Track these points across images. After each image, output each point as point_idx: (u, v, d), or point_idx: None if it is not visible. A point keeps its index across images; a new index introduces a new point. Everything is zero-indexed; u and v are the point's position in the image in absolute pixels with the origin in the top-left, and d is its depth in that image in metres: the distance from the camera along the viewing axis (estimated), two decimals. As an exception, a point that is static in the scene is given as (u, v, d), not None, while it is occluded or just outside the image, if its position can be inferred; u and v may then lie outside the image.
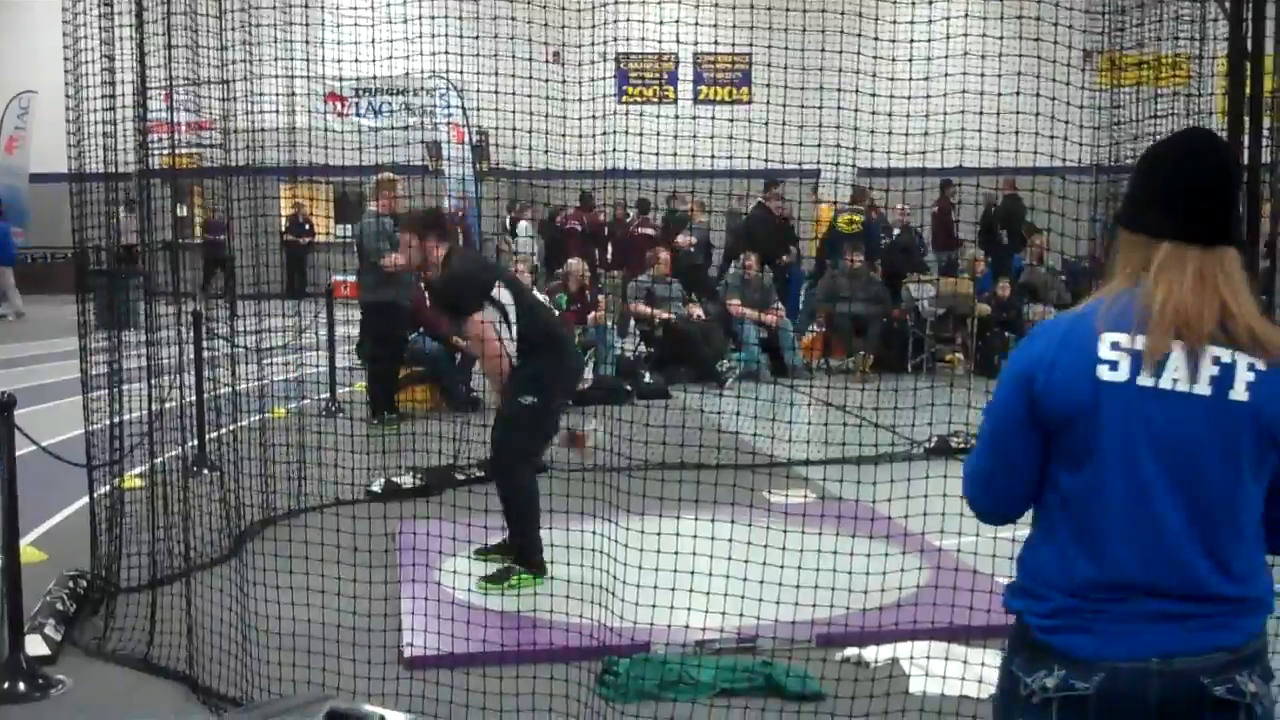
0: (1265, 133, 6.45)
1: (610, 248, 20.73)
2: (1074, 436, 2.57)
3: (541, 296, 13.46)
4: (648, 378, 14.19)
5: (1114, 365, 2.53)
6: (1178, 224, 2.56)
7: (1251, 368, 2.49)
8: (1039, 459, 2.64)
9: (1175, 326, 2.49)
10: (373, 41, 8.15)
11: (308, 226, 24.54)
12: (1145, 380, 2.51)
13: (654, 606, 6.18)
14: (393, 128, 20.63)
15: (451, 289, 7.27)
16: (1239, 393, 2.49)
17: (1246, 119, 6.12)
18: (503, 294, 7.05)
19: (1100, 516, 2.56)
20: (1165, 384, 2.50)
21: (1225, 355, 2.49)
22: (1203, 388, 2.49)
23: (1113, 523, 2.54)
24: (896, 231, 18.37)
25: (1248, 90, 6.02)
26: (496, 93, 7.36)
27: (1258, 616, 2.58)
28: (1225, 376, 2.49)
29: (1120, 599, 2.54)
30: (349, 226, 22.31)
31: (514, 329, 7.04)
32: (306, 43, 8.27)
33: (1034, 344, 2.66)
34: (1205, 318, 2.49)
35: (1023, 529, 2.77)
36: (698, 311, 15.43)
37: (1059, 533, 2.62)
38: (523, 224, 22.21)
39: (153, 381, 6.67)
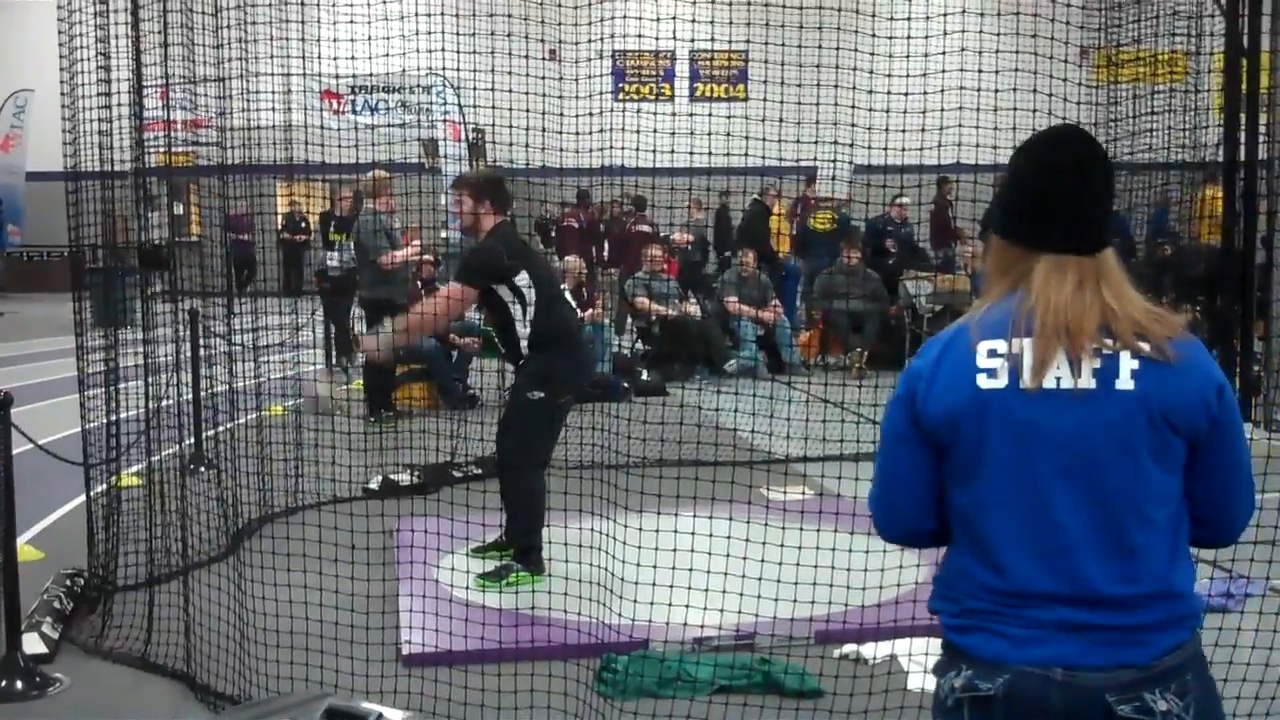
0: (1261, 129, 6.45)
1: (607, 245, 20.71)
2: (959, 450, 2.53)
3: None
4: (645, 375, 14.19)
5: (991, 373, 2.49)
6: (1055, 237, 2.52)
7: (1135, 356, 2.45)
8: (931, 477, 2.61)
9: (1058, 333, 2.45)
10: (369, 38, 8.15)
11: (304, 224, 24.51)
12: (1026, 384, 2.47)
13: (652, 604, 6.17)
14: (389, 125, 20.61)
15: (471, 258, 7.17)
16: (1124, 382, 2.44)
17: (1243, 116, 6.12)
18: (521, 277, 6.97)
19: (995, 527, 2.51)
20: (1049, 384, 2.46)
21: (1108, 350, 2.46)
22: (1086, 382, 2.45)
23: (1008, 532, 2.50)
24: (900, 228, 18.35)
25: (1244, 87, 6.02)
26: (493, 90, 7.35)
27: (1176, 632, 2.49)
28: (1109, 368, 2.45)
29: (1026, 606, 2.48)
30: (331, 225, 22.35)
31: (528, 316, 6.97)
32: (302, 40, 8.27)
33: (916, 361, 2.64)
34: (1087, 323, 2.45)
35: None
36: (694, 309, 15.43)
37: (961, 546, 2.60)
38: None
39: (149, 379, 6.66)
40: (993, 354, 2.50)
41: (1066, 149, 2.58)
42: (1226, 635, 4.99)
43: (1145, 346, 2.45)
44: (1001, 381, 2.49)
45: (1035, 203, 2.55)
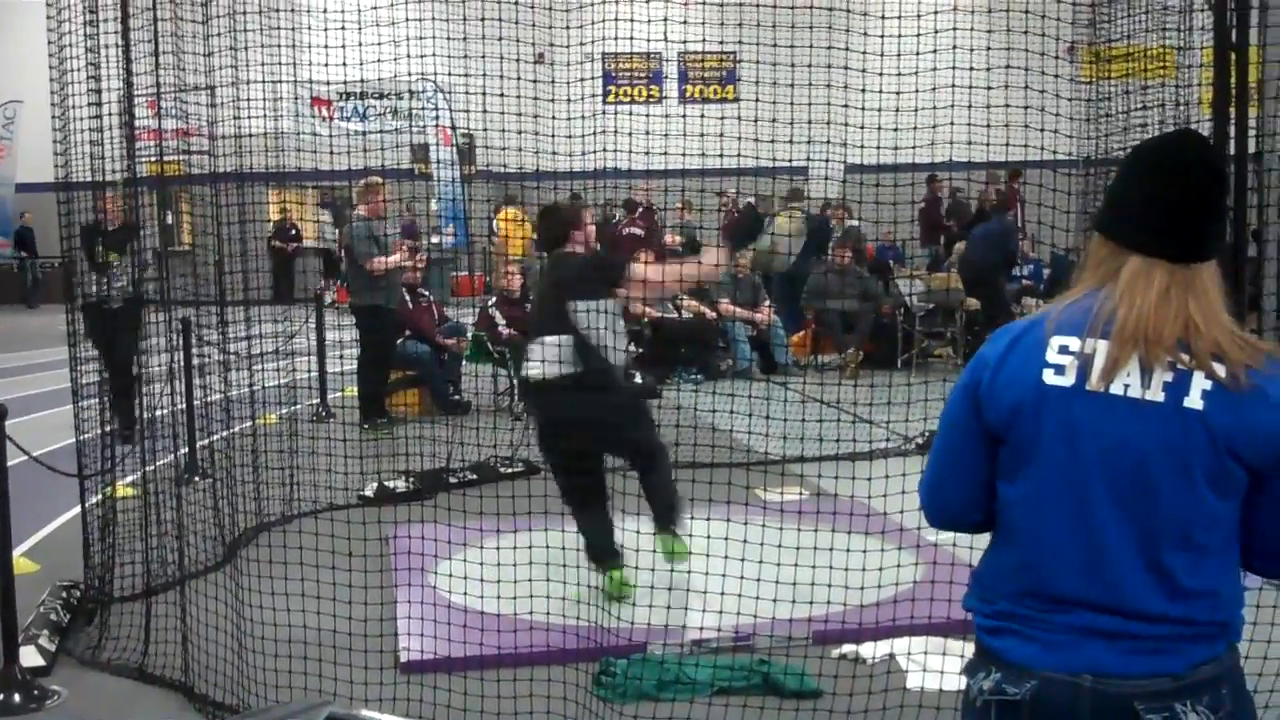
0: (1250, 123, 6.46)
1: (598, 248, 20.72)
2: (1014, 443, 2.51)
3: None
4: (638, 377, 14.18)
5: (1060, 369, 2.45)
6: (1149, 238, 2.46)
7: (1209, 377, 2.38)
8: (984, 469, 2.59)
9: (1136, 339, 2.40)
10: (358, 45, 8.14)
11: (294, 232, 24.49)
12: (1094, 386, 2.42)
13: (650, 606, 6.17)
14: (380, 131, 20.61)
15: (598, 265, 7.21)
16: (1193, 400, 2.37)
17: (1232, 110, 6.12)
18: (583, 316, 6.83)
19: (1039, 527, 2.49)
20: (1116, 390, 2.41)
21: (1183, 365, 2.39)
22: (1155, 394, 2.39)
23: (1051, 533, 2.48)
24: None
25: (1233, 81, 6.02)
26: (483, 94, 7.35)
27: (1212, 644, 2.45)
28: (1181, 383, 2.39)
29: (1058, 610, 2.46)
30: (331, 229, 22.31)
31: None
32: (292, 47, 8.26)
33: (985, 348, 2.60)
34: (1167, 333, 2.39)
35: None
36: (689, 302, 15.41)
37: (1003, 542, 2.58)
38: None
39: (143, 389, 6.65)
40: (1064, 350, 2.46)
41: (1175, 152, 2.53)
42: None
43: (1220, 370, 2.38)
44: (1068, 380, 2.44)
45: (1130, 200, 2.52)
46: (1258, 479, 2.42)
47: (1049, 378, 2.45)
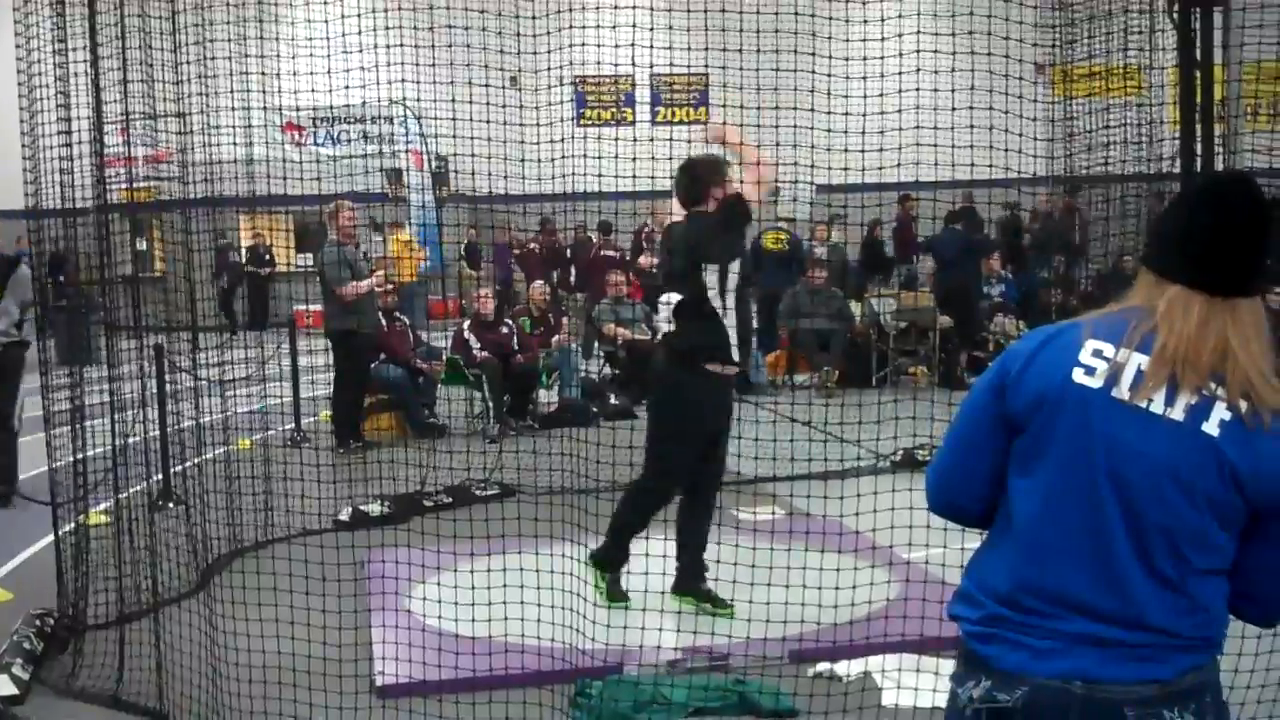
0: (1217, 140, 6.53)
1: (573, 270, 20.77)
2: (1032, 433, 2.54)
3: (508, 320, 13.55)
4: (614, 399, 14.21)
5: (1090, 371, 2.49)
6: (1189, 269, 2.50)
7: (1231, 409, 2.42)
8: (994, 460, 2.62)
9: (1174, 360, 2.44)
10: (329, 71, 8.16)
11: (268, 257, 24.44)
12: (1120, 394, 2.46)
13: (625, 627, 6.18)
14: (352, 156, 20.61)
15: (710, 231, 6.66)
16: (1211, 426, 2.41)
17: (1198, 128, 6.19)
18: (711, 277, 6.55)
19: (1046, 520, 2.53)
20: (1139, 401, 2.45)
21: (1209, 393, 2.43)
22: (1177, 413, 2.43)
23: (1059, 534, 2.51)
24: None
25: (1198, 99, 6.10)
26: (455, 119, 7.37)
27: (1200, 653, 2.50)
28: (1203, 408, 2.43)
29: (1052, 614, 2.50)
30: (309, 256, 22.28)
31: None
32: (263, 74, 8.28)
33: (1018, 343, 2.66)
34: (1204, 361, 2.43)
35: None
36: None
37: (1006, 538, 2.61)
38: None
39: (115, 417, 6.64)
40: (1098, 354, 2.50)
41: (1219, 187, 2.59)
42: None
43: (1244, 405, 2.42)
44: (1096, 382, 2.49)
45: (1172, 234, 2.56)
46: (1257, 517, 2.46)
47: (1078, 376, 2.50)
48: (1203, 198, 2.57)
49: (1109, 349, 2.50)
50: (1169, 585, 2.45)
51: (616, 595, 6.73)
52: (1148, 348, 2.47)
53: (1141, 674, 2.45)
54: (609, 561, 6.75)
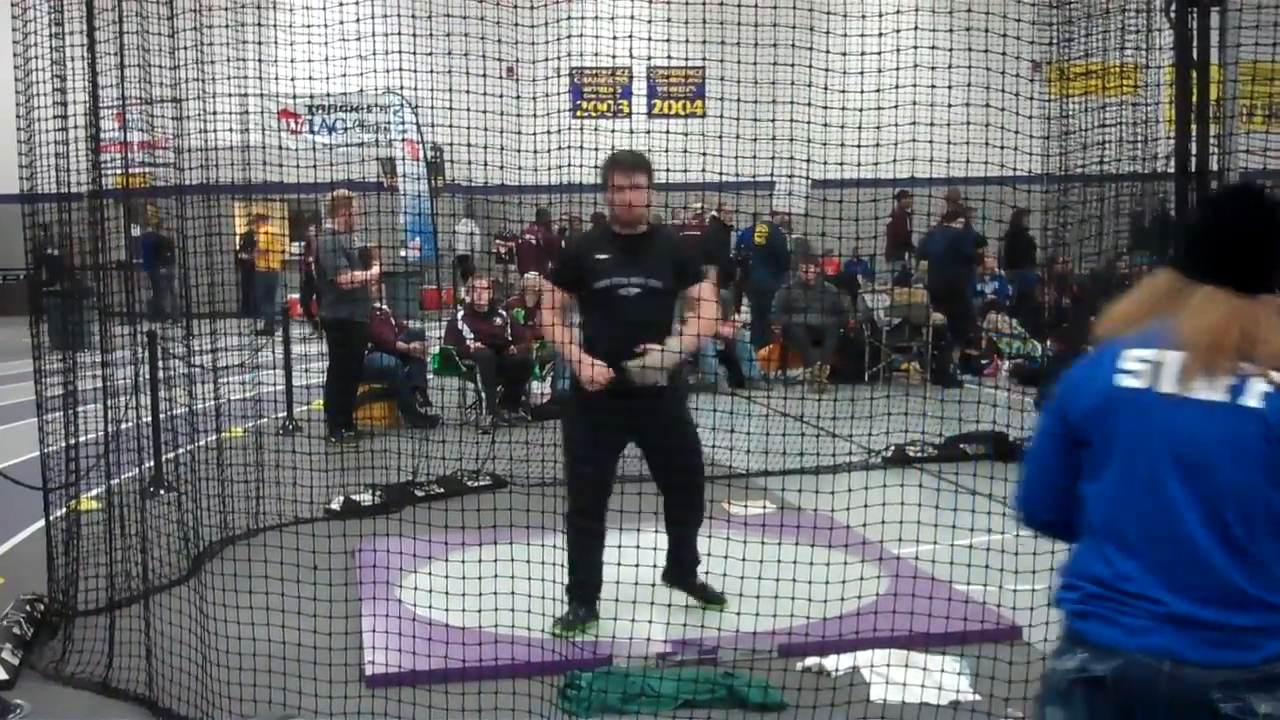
0: (1212, 140, 6.53)
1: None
2: (1095, 443, 2.76)
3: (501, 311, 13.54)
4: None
5: (1133, 374, 2.71)
6: (1216, 268, 2.73)
7: (1267, 382, 2.62)
8: (1065, 474, 2.84)
9: (1201, 346, 2.66)
10: (326, 59, 8.14)
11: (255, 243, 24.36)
12: (1165, 389, 2.67)
13: (615, 620, 6.19)
14: (347, 144, 20.57)
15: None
16: (1251, 399, 2.62)
17: (1194, 127, 6.19)
18: None
19: (1121, 520, 2.70)
20: (1184, 392, 2.66)
21: (1244, 372, 2.64)
22: (1219, 395, 2.63)
23: (1134, 525, 2.68)
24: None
25: (1194, 99, 6.10)
26: (451, 109, 7.36)
27: None
28: (1241, 386, 2.63)
29: (1141, 595, 2.64)
30: (300, 244, 22.26)
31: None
32: (259, 60, 8.25)
33: (1072, 369, 2.89)
34: (1228, 343, 2.64)
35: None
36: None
37: (1091, 537, 2.77)
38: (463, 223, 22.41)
39: (108, 402, 6.63)
40: (1140, 360, 2.73)
41: (1244, 192, 2.85)
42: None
43: (1277, 376, 2.63)
44: (1141, 383, 2.71)
45: (1199, 237, 2.81)
46: None
47: (1124, 381, 2.73)
48: (1231, 205, 2.83)
49: (1148, 353, 2.72)
50: (1248, 562, 2.60)
51: (574, 623, 6.43)
52: (1183, 344, 2.68)
53: (1228, 658, 2.58)
54: (572, 590, 6.53)
